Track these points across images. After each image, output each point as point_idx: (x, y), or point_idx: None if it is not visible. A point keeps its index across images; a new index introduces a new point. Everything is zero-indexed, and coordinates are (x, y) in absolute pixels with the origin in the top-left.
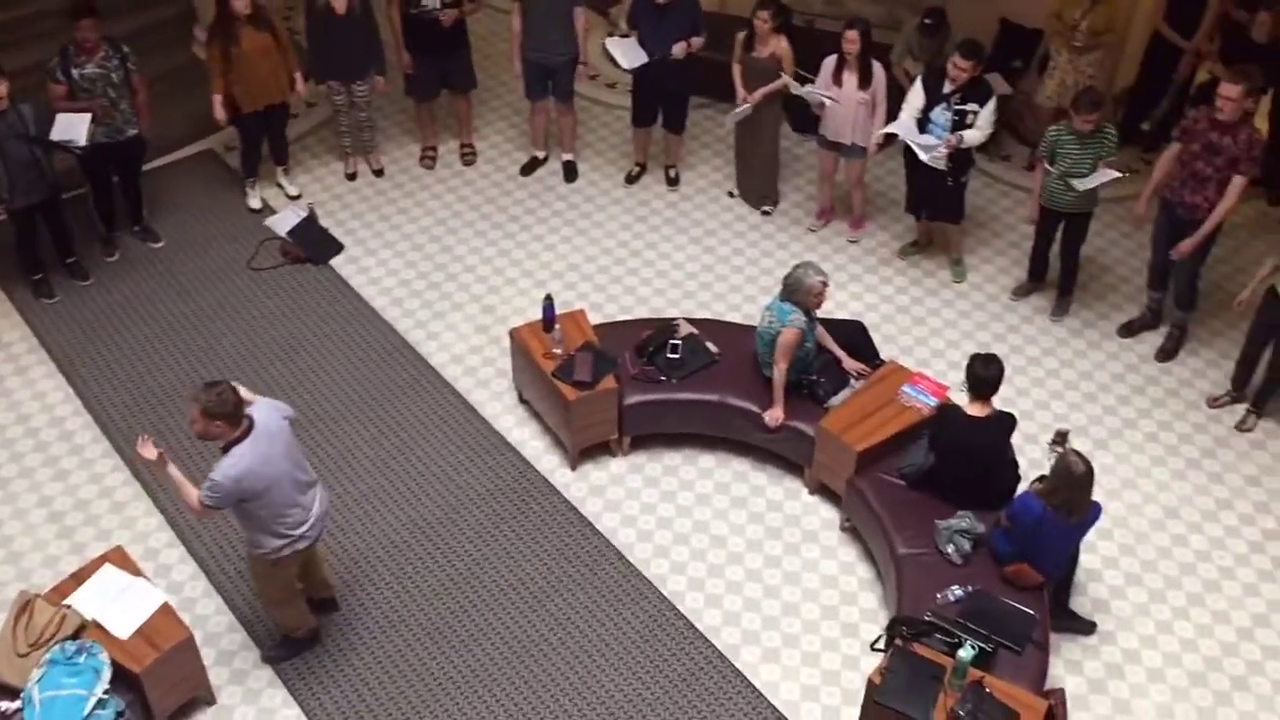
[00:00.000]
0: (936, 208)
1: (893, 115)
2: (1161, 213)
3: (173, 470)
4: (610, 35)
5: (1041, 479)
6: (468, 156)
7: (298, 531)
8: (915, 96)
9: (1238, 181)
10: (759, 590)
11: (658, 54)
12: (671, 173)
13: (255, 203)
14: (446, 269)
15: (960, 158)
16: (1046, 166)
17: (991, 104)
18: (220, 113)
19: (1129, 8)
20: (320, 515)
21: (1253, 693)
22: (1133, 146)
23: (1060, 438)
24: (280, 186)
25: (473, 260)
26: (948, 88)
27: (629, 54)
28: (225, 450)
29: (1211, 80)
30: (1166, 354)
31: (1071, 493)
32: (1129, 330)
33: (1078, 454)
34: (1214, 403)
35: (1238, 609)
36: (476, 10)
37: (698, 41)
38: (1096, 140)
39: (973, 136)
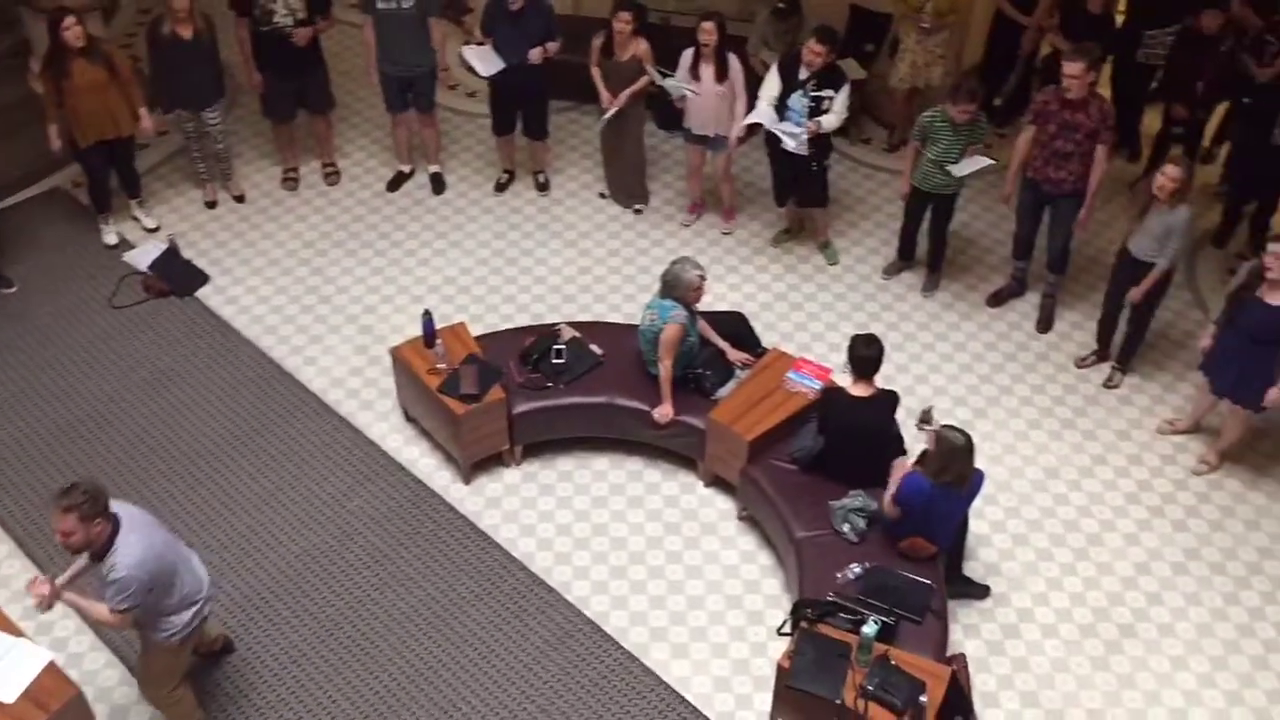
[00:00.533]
0: (802, 194)
1: (754, 106)
2: (1025, 189)
3: (70, 596)
4: (466, 44)
5: (923, 458)
6: (331, 176)
7: (203, 593)
8: (771, 84)
9: (1102, 152)
10: (663, 587)
11: (515, 60)
12: (540, 178)
13: (111, 238)
14: (319, 291)
15: (820, 143)
16: (919, 149)
17: (846, 88)
18: (55, 144)
19: None
20: (206, 572)
21: (1140, 639)
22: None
23: (925, 417)
24: (136, 220)
25: (346, 281)
26: (803, 74)
27: (486, 61)
28: (99, 557)
29: (1055, 53)
30: (1045, 324)
31: (957, 466)
32: (997, 299)
33: (954, 428)
34: (1081, 363)
35: (1120, 559)
36: (329, 27)
37: (554, 46)
38: (969, 128)
39: (830, 121)
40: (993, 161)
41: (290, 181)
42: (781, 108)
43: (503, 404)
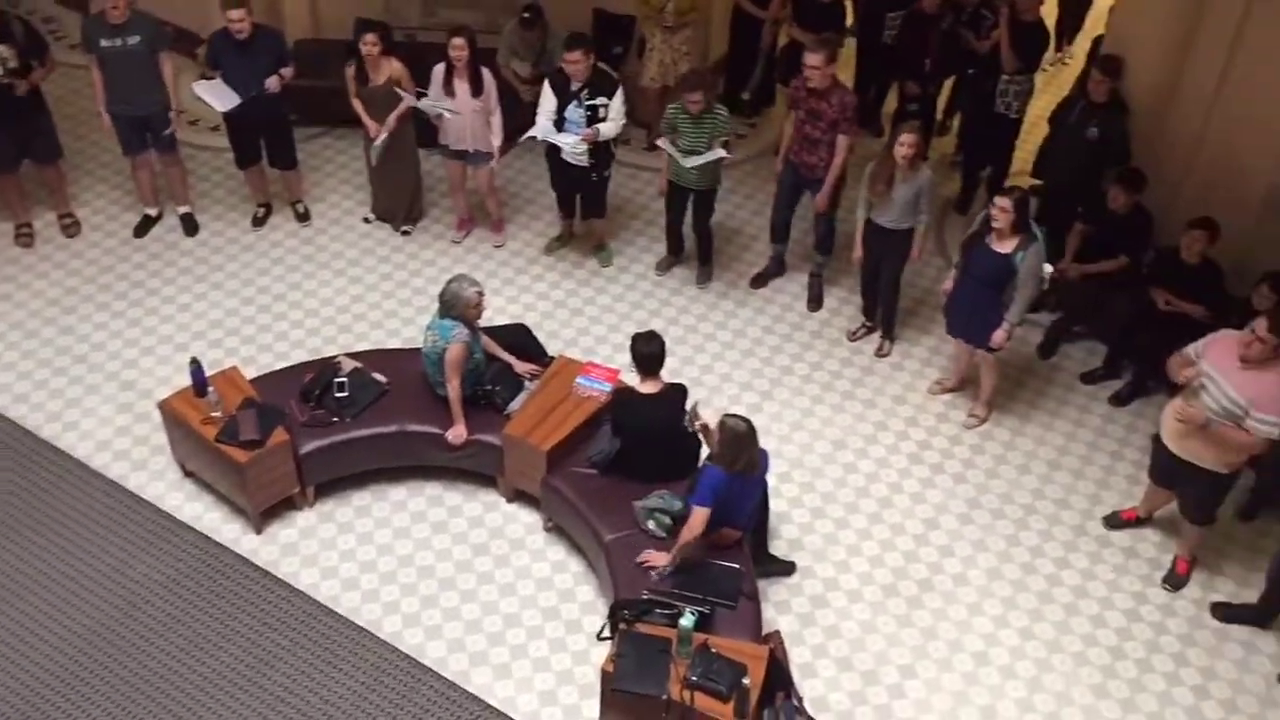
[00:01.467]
0: (585, 205)
1: (507, 115)
2: (787, 172)
3: None
4: (200, 78)
5: (711, 457)
6: (70, 228)
7: None
8: (547, 99)
9: (842, 141)
10: (477, 610)
11: (249, 91)
12: (299, 208)
13: None
14: (71, 351)
15: (601, 153)
16: (670, 145)
17: (619, 94)
18: None
19: None
20: None
21: (938, 590)
22: (736, 115)
23: (693, 414)
24: None
25: (100, 337)
26: (574, 85)
27: (219, 96)
28: None
29: (791, 43)
30: (815, 303)
31: (746, 452)
32: (759, 281)
33: (733, 416)
34: (852, 336)
35: (910, 518)
36: (49, 74)
37: (289, 72)
38: (709, 119)
39: (608, 129)
40: (726, 154)
41: (24, 238)
42: (561, 121)
43: (288, 446)
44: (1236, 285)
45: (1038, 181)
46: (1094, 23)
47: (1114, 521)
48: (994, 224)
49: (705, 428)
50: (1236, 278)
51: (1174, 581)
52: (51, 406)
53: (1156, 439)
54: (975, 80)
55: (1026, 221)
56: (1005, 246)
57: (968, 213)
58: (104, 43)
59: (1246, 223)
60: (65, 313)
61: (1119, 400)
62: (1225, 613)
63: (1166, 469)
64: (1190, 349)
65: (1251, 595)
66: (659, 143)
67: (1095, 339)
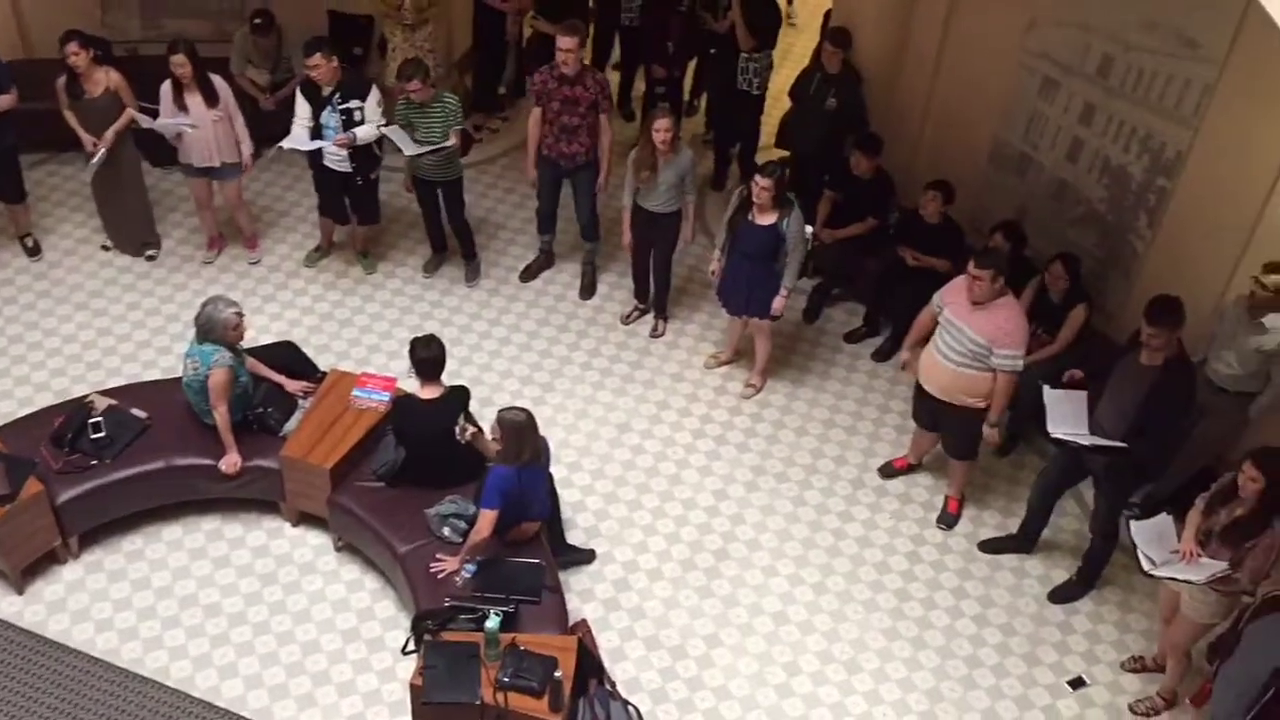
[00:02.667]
0: (355, 211)
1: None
2: (544, 167)
3: None
4: None
5: (495, 455)
6: None
7: None
8: (301, 108)
9: (604, 120)
10: (272, 642)
11: None
12: (28, 242)
13: None
14: None
15: (363, 156)
16: (399, 134)
17: (374, 95)
18: None
19: None
20: None
21: (734, 558)
22: (492, 110)
23: (461, 429)
24: None
25: None
26: (325, 91)
27: None
28: None
29: (536, 34)
30: (588, 291)
31: (530, 442)
32: (529, 274)
33: (509, 409)
34: (626, 319)
35: (700, 491)
36: None
37: (8, 99)
38: (439, 107)
39: (366, 132)
40: (452, 142)
41: None
42: (318, 129)
43: (43, 496)
44: (976, 236)
45: (784, 153)
46: None
47: (888, 471)
48: (756, 201)
49: (476, 435)
50: (974, 229)
51: (947, 521)
52: None
53: (917, 386)
54: (717, 60)
55: (784, 193)
56: (768, 219)
57: (724, 189)
58: None
59: (977, 176)
60: None
61: (881, 355)
62: (992, 545)
63: (928, 412)
64: (935, 299)
65: (1016, 525)
66: (384, 130)
67: (853, 300)
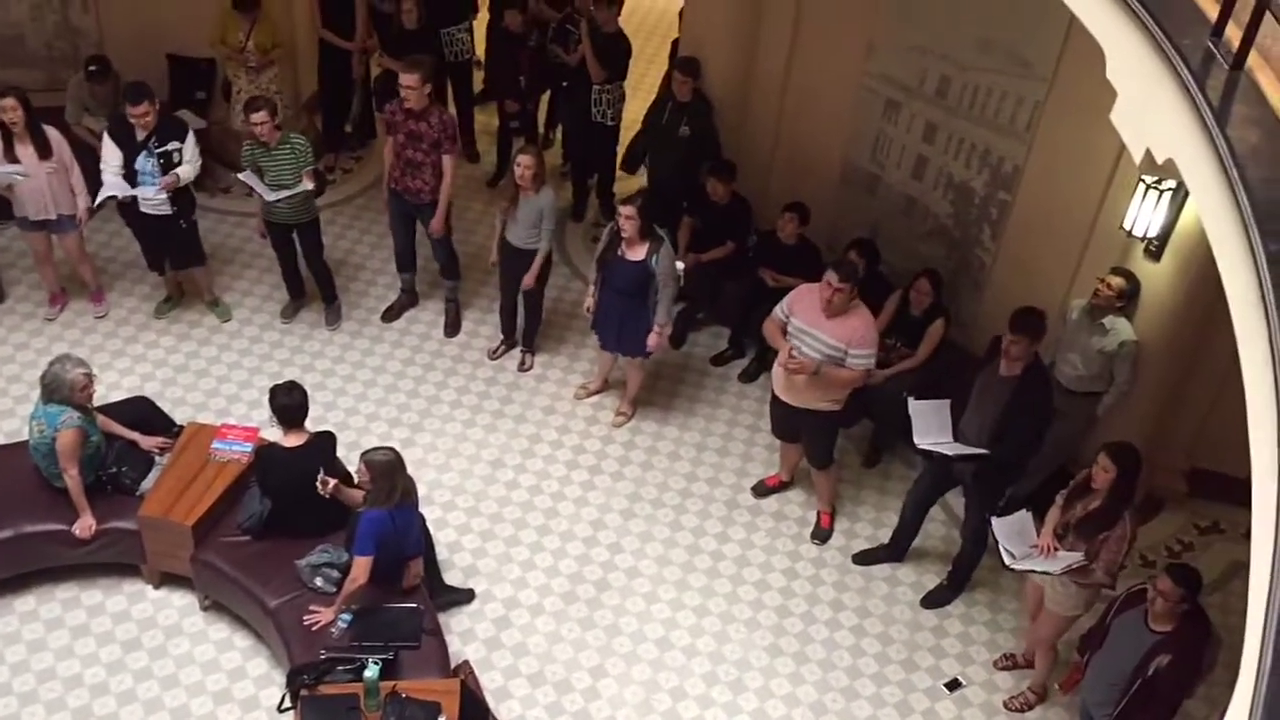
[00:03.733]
0: (177, 255)
1: (90, 174)
2: (393, 200)
3: None
4: None
5: (366, 500)
6: None
7: None
8: (110, 153)
9: (448, 161)
10: (139, 711)
11: None
12: None
13: None
14: None
15: (182, 199)
16: (254, 179)
17: (190, 136)
18: None
19: (287, 19)
20: None
21: (614, 587)
22: (341, 149)
23: (323, 481)
24: None
25: None
26: (140, 135)
27: None
28: None
29: (384, 72)
30: (452, 328)
31: (401, 480)
32: (391, 314)
33: (375, 449)
34: (493, 354)
35: (578, 522)
36: None
37: None
38: (288, 148)
39: (186, 172)
40: (309, 185)
41: None
42: (132, 175)
43: None
44: (832, 255)
45: (642, 184)
46: (670, 26)
47: (761, 490)
48: (623, 234)
49: (337, 487)
50: (830, 248)
51: (820, 535)
52: None
53: (773, 397)
54: (570, 93)
55: (651, 226)
56: (638, 254)
57: (583, 220)
58: None
59: (830, 196)
60: None
61: (748, 376)
62: (865, 556)
63: (786, 421)
64: (777, 310)
65: (887, 535)
66: (240, 176)
67: (717, 323)
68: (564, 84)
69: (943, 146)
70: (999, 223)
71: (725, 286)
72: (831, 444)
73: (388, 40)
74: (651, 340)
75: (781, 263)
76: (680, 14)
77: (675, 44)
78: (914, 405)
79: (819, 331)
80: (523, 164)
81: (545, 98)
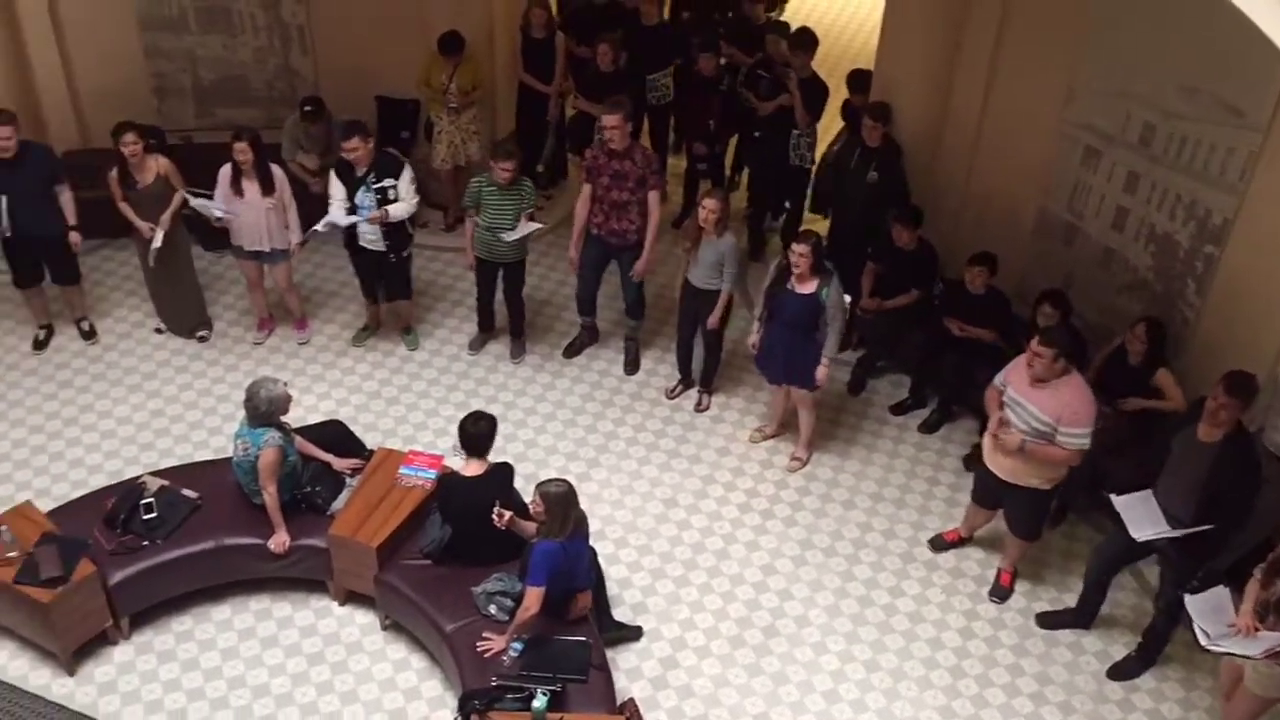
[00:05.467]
0: (389, 288)
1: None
2: (590, 245)
3: None
4: None
5: (538, 531)
6: None
7: None
8: (336, 189)
9: (654, 198)
10: None
11: (26, 210)
12: (85, 325)
13: None
14: None
15: (396, 234)
16: (475, 219)
17: (407, 174)
18: None
19: (489, 63)
20: None
21: (783, 635)
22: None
23: (499, 514)
24: None
25: None
26: (359, 171)
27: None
28: None
29: (579, 114)
30: (632, 366)
31: (574, 512)
32: (572, 350)
33: (548, 481)
34: (671, 394)
35: (748, 566)
36: None
37: (69, 203)
38: (515, 192)
39: (399, 209)
40: (541, 225)
41: None
42: (352, 208)
43: (96, 577)
44: (1021, 306)
45: (818, 216)
46: (840, 59)
47: (939, 544)
48: (795, 270)
49: (512, 519)
50: (1020, 298)
51: (1000, 594)
52: None
53: (979, 463)
54: (762, 142)
55: (822, 261)
56: (808, 287)
57: (761, 259)
58: None
59: (1022, 246)
60: None
61: (928, 427)
62: (1049, 619)
63: (992, 491)
64: (997, 379)
65: (1072, 598)
66: (468, 219)
67: (899, 371)
68: (755, 134)
69: (1145, 196)
70: (1204, 278)
71: (908, 334)
72: (1040, 520)
73: (584, 83)
74: (820, 373)
75: (969, 312)
76: (876, 58)
77: (852, 74)
78: (1119, 501)
79: (1028, 402)
80: (708, 207)
81: (733, 141)
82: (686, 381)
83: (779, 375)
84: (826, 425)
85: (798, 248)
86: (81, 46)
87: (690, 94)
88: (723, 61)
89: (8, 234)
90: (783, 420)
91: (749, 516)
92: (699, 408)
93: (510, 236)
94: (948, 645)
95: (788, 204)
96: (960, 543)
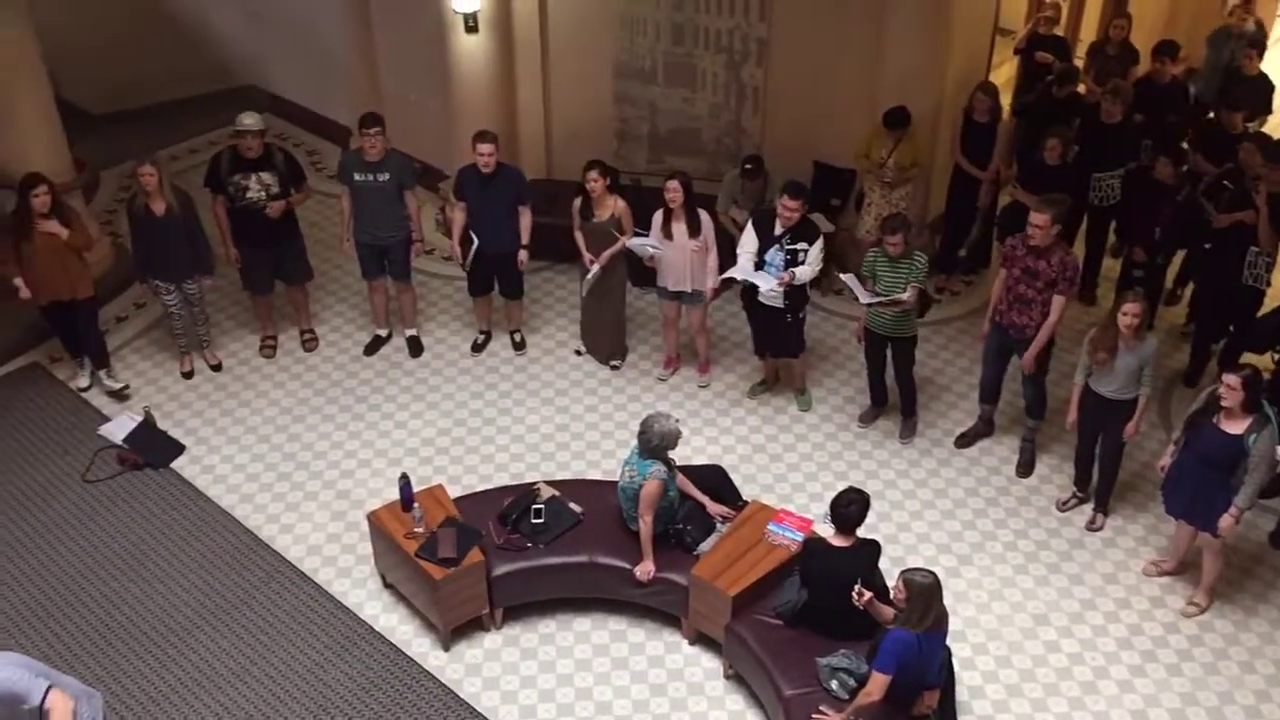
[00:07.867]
0: (778, 345)
1: (724, 258)
2: (993, 333)
3: None
4: (442, 209)
5: (896, 619)
6: (309, 342)
7: None
8: (749, 240)
9: (1058, 301)
10: None
11: (493, 226)
12: (516, 337)
13: (83, 381)
14: (296, 458)
15: (796, 294)
16: (854, 283)
17: (819, 241)
18: (25, 293)
19: (930, 142)
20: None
21: None
22: (953, 272)
23: (859, 593)
24: (105, 385)
25: (323, 446)
26: (778, 229)
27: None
28: None
29: (1013, 203)
30: (1025, 468)
31: (935, 606)
32: (965, 440)
33: (915, 570)
34: (1063, 506)
35: (1116, 707)
36: (305, 199)
37: (527, 224)
38: (906, 263)
39: (804, 273)
40: (904, 298)
41: (268, 349)
42: (760, 263)
43: (481, 567)
44: None
45: (1252, 352)
46: None
47: None
48: (1223, 403)
49: (871, 602)
50: None
51: None
52: (273, 509)
53: None
54: (1214, 255)
55: (1258, 401)
56: (1235, 427)
57: (1196, 385)
58: (358, 176)
59: None
60: (295, 420)
61: None
62: None
63: None
64: None
65: None
66: (843, 277)
67: None
68: (1206, 245)
69: None
70: None
71: None
72: None
73: (1026, 174)
74: (1224, 523)
75: None
76: None
77: None
78: None
79: None
80: (1130, 311)
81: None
82: (1083, 496)
83: (1180, 509)
84: (1236, 574)
85: (1229, 379)
86: (563, 91)
87: (1138, 198)
88: (1184, 168)
89: (476, 243)
90: (1184, 558)
91: (1127, 654)
92: (1091, 526)
93: (867, 299)
94: None
95: (1231, 327)
96: None
